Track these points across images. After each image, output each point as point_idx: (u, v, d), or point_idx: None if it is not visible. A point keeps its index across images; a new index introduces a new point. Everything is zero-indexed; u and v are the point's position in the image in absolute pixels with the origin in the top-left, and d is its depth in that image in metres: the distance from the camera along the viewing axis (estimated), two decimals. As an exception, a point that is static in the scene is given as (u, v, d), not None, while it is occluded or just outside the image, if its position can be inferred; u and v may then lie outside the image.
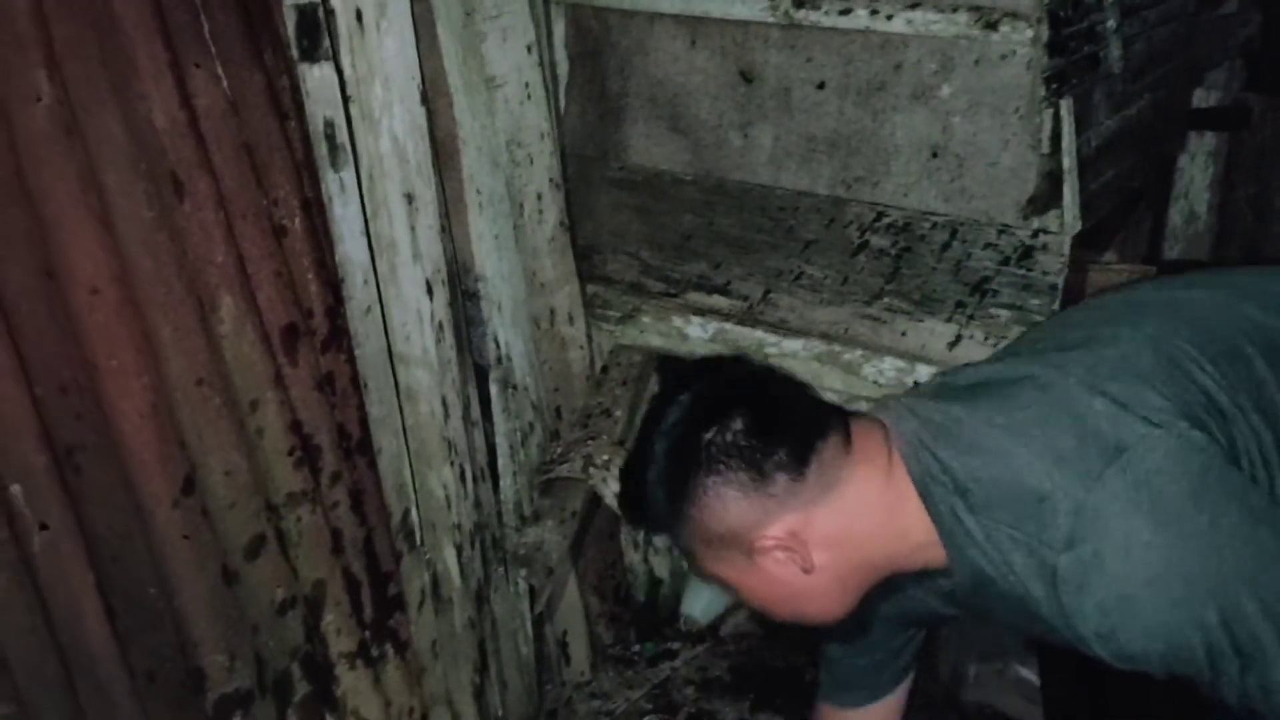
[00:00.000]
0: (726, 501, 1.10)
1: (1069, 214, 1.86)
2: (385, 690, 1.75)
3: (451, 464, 1.80)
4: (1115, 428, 1.03)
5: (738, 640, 2.51)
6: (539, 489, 2.11)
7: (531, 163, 2.09)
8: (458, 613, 1.86)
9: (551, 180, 2.15)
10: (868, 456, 1.13)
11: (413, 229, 1.69)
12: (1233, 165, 2.71)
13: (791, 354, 2.01)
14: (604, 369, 2.32)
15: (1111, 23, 1.99)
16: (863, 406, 1.47)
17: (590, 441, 2.14)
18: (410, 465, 1.77)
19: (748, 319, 2.12)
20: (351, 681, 1.66)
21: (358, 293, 1.65)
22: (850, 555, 1.13)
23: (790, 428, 1.11)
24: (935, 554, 1.13)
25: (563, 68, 2.25)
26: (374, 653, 1.66)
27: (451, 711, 1.88)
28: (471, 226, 1.94)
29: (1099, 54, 1.99)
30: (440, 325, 1.76)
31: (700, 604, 2.56)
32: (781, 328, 2.05)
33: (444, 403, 1.77)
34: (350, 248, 1.63)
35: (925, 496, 1.11)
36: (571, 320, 2.23)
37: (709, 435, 1.10)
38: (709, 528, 1.13)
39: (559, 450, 2.16)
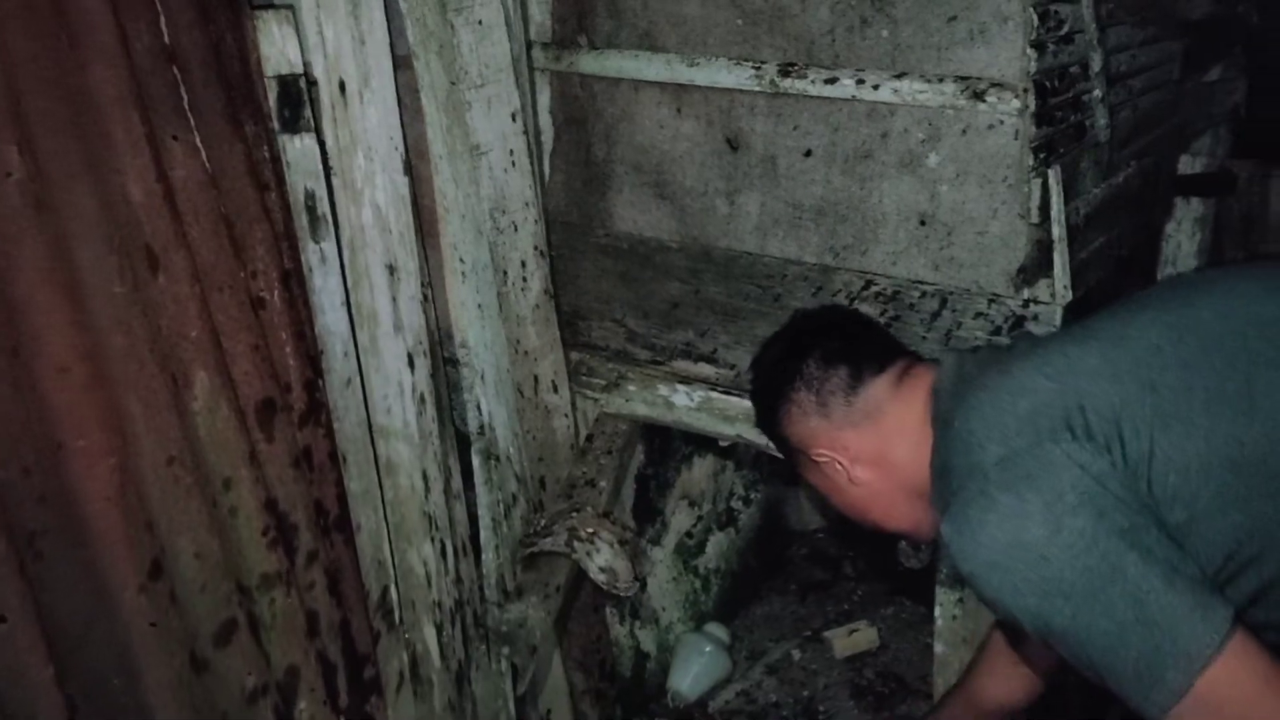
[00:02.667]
0: (794, 419, 1.40)
1: (1059, 283, 1.84)
2: (361, 777, 1.68)
3: (432, 539, 1.75)
4: (1019, 431, 1.17)
5: (727, 717, 2.44)
6: (522, 563, 2.06)
7: (516, 230, 2.06)
8: (438, 694, 1.80)
9: (536, 248, 2.12)
10: (911, 396, 1.34)
11: (394, 300, 1.66)
12: (1220, 231, 2.72)
13: (780, 425, 1.97)
14: (589, 438, 2.28)
15: (1097, 92, 1.99)
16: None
17: (575, 514, 2.10)
18: (390, 541, 1.72)
19: (735, 387, 2.09)
20: (326, 770, 1.59)
21: (338, 365, 1.61)
22: (889, 477, 1.36)
23: (850, 364, 1.37)
24: None
25: (547, 135, 2.24)
26: (350, 740, 1.59)
27: (430, 798, 1.81)
28: (454, 295, 1.91)
29: (1085, 123, 1.99)
30: (422, 397, 1.72)
31: (688, 679, 2.50)
32: (770, 397, 2.03)
33: (425, 476, 1.73)
34: (330, 319, 1.59)
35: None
36: (556, 389, 2.20)
37: (792, 366, 1.40)
38: (787, 439, 1.44)
39: (542, 523, 2.11)
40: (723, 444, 2.55)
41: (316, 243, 1.56)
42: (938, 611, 2.11)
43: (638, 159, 2.19)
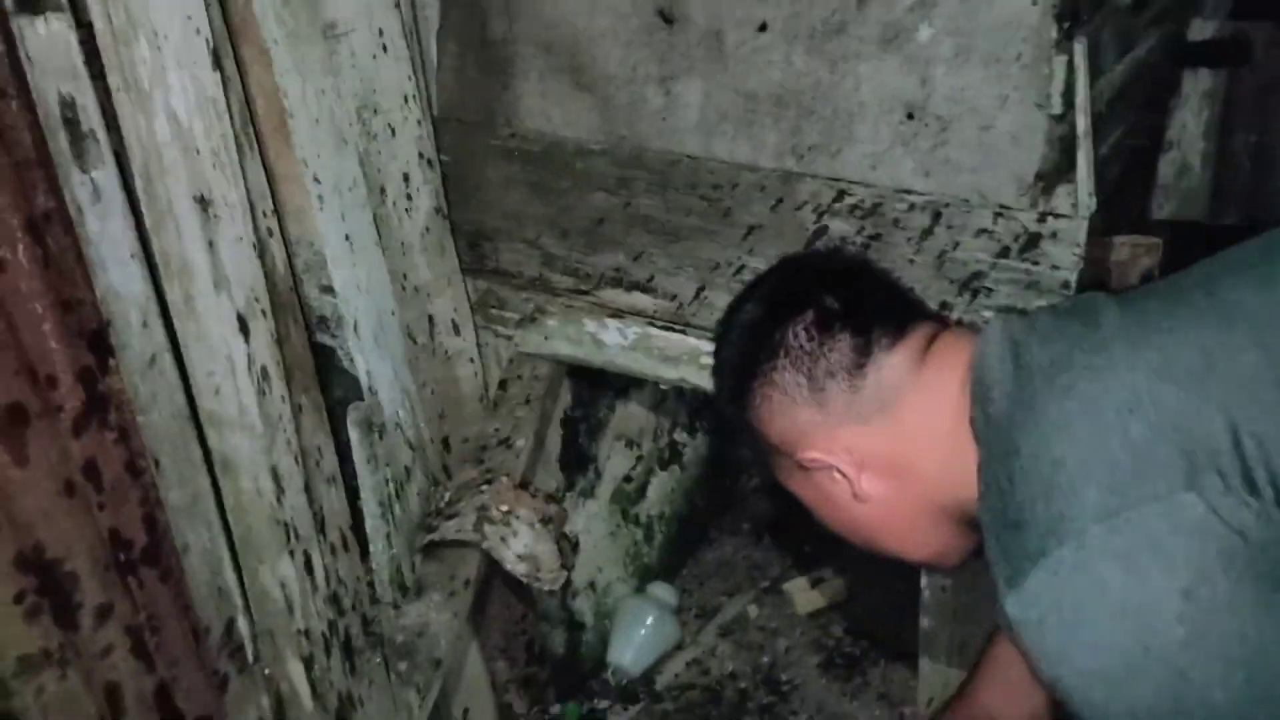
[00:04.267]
0: (775, 408, 1.03)
1: (1083, 190, 1.45)
2: None
3: (291, 554, 1.35)
4: (1137, 471, 0.80)
5: (676, 695, 2.12)
6: (421, 552, 1.67)
7: (393, 135, 1.62)
8: (313, 741, 1.43)
9: (422, 155, 1.68)
10: (940, 380, 0.98)
11: (211, 245, 1.22)
12: (1231, 108, 2.33)
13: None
14: (502, 384, 1.88)
15: (1124, -62, 1.57)
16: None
17: (486, 486, 1.71)
18: (234, 560, 1.32)
19: (678, 321, 1.69)
20: None
21: (135, 340, 1.17)
22: (909, 491, 1.00)
23: (856, 333, 0.99)
24: None
25: (430, 8, 1.77)
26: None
27: None
28: (311, 225, 1.47)
29: (1108, -20, 1.57)
30: (263, 371, 1.29)
31: (630, 651, 2.17)
32: (720, 335, 1.64)
33: (275, 475, 1.32)
34: (117, 278, 1.15)
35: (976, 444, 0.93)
36: (457, 329, 1.78)
37: (772, 335, 1.02)
38: (762, 434, 1.06)
39: (446, 498, 1.72)
40: (663, 387, 2.17)
41: (85, 171, 1.11)
42: (924, 582, 1.77)
43: (548, 37, 1.73)
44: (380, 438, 1.59)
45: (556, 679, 2.11)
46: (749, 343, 1.05)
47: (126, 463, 1.14)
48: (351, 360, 1.55)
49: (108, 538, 1.12)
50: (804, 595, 2.29)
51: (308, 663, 1.38)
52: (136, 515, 1.15)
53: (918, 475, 0.99)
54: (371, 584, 1.60)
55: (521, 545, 1.64)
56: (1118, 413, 0.82)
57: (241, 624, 1.32)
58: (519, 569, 1.64)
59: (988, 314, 1.46)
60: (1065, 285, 1.43)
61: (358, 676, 1.52)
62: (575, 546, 2.11)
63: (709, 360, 1.62)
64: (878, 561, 2.49)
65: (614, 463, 2.26)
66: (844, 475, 1.01)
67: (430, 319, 1.73)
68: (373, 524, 1.59)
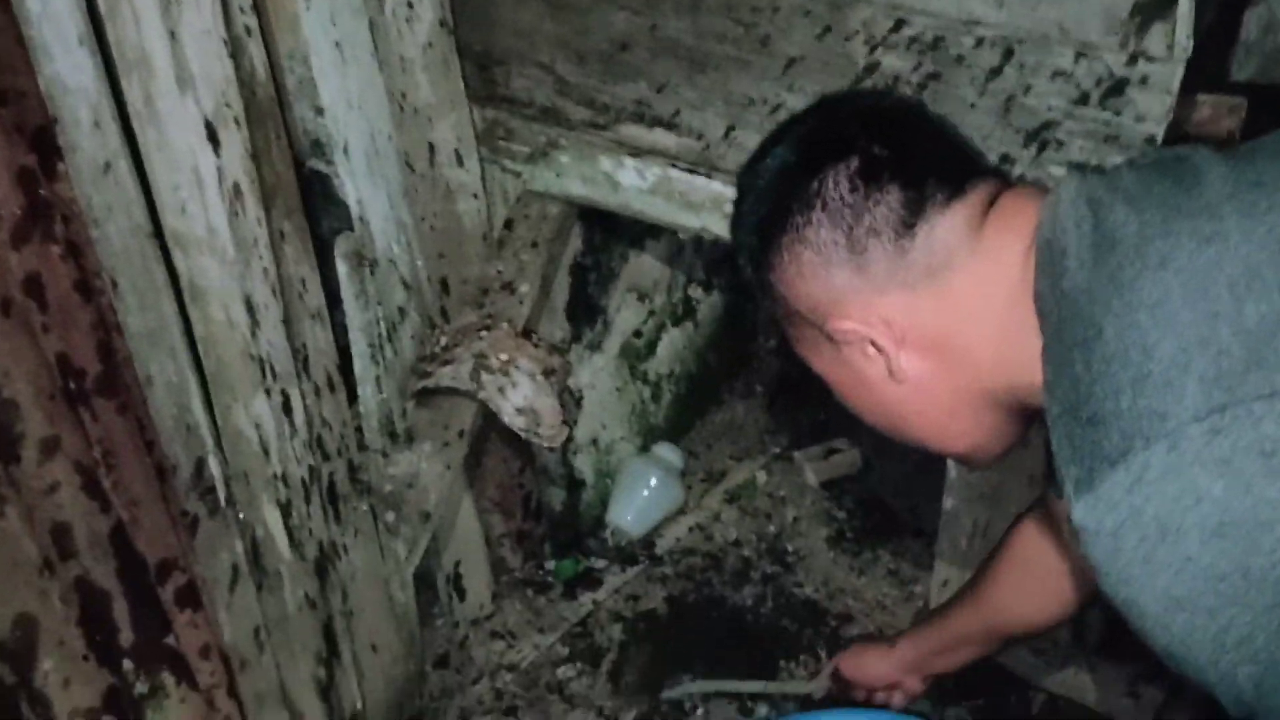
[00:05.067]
0: (804, 269, 0.89)
1: (1181, 30, 1.27)
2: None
3: (267, 392, 1.23)
4: (1249, 360, 0.67)
5: (677, 559, 2.03)
6: (415, 397, 1.56)
7: (395, -69, 1.43)
8: (290, 590, 1.33)
9: (426, -43, 1.49)
10: (1002, 246, 0.85)
11: (173, 36, 1.05)
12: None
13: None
14: (507, 224, 1.74)
15: None
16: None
17: (484, 333, 1.58)
18: (205, 396, 1.20)
19: (703, 164, 1.54)
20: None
21: (86, 142, 1.02)
22: (954, 372, 0.88)
23: (906, 186, 0.85)
24: None
25: None
26: (140, 690, 1.13)
27: (288, 710, 1.38)
28: (296, 30, 1.30)
29: None
30: (235, 189, 1.15)
31: (630, 512, 2.08)
32: (750, 180, 1.48)
33: (249, 305, 1.18)
34: (64, 67, 0.99)
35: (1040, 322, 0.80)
36: (461, 160, 1.63)
37: (808, 185, 0.88)
38: (787, 299, 0.93)
39: (443, 342, 1.60)
40: (682, 236, 2.02)
41: (21, -64, 0.94)
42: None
43: None
44: (371, 273, 1.45)
45: (552, 535, 2.03)
46: (779, 193, 0.91)
47: (76, 281, 1.01)
48: (341, 187, 1.40)
49: (54, 363, 0.99)
50: (816, 464, 2.19)
51: (285, 508, 1.28)
52: (89, 340, 1.03)
53: (966, 354, 0.86)
54: (359, 429, 1.49)
55: (521, 397, 1.52)
56: (1231, 290, 0.68)
57: (213, 464, 1.21)
58: (517, 422, 1.52)
59: (1056, 170, 1.31)
60: (1150, 140, 1.27)
61: (341, 525, 1.43)
62: (579, 401, 2.00)
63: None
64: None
65: (624, 316, 2.13)
66: (880, 350, 0.88)
67: (431, 146, 1.57)
68: (361, 365, 1.47)
